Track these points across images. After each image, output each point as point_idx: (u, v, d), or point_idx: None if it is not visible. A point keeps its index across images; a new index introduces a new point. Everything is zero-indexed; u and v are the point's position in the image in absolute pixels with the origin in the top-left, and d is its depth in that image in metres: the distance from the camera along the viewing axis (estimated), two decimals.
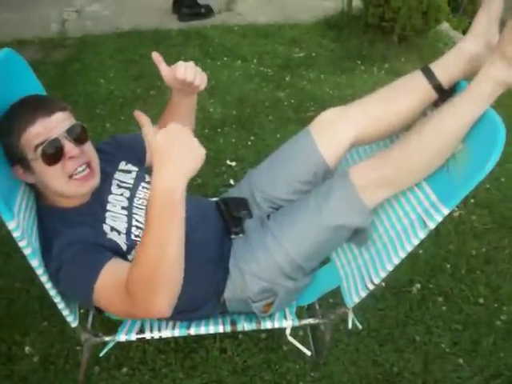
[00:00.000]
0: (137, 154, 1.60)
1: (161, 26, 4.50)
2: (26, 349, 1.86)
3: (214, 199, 1.71)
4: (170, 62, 1.30)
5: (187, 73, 1.27)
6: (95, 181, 1.32)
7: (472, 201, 2.57)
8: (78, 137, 1.26)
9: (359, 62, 3.95)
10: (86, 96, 3.45)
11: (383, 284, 2.06)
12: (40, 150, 1.20)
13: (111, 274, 1.17)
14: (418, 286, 2.11)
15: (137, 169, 1.54)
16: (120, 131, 3.03)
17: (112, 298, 1.16)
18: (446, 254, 2.27)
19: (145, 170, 1.58)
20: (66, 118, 1.26)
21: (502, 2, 1.39)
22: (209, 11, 4.79)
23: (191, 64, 1.29)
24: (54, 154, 1.21)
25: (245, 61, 3.97)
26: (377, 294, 2.03)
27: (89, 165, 1.29)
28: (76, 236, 1.25)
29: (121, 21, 4.65)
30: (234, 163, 2.81)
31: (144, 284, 1.05)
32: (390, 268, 1.38)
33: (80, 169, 1.27)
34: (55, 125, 1.22)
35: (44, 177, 1.25)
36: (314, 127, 1.55)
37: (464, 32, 5.01)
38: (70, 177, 1.26)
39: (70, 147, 1.23)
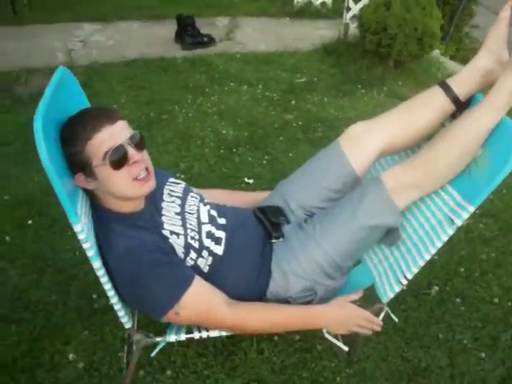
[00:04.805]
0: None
1: (166, 54, 4.66)
2: (70, 356, 1.91)
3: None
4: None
5: None
6: (153, 183, 1.41)
7: (478, 211, 2.71)
8: (139, 144, 1.37)
9: (359, 86, 4.12)
10: None
11: (404, 287, 2.18)
12: (108, 155, 1.30)
13: (202, 289, 1.41)
14: (436, 288, 2.25)
15: (184, 183, 1.67)
16: None
17: (202, 308, 1.41)
18: (459, 260, 2.42)
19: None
20: (126, 127, 1.37)
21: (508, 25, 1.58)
22: (210, 40, 4.99)
23: None
24: (120, 158, 1.32)
25: (251, 86, 4.13)
26: (399, 297, 2.12)
27: (147, 169, 1.40)
28: (142, 239, 1.36)
29: (126, 50, 4.82)
30: (251, 181, 2.92)
31: (257, 328, 1.50)
32: (421, 263, 1.52)
33: (142, 172, 1.38)
34: (119, 132, 1.33)
35: (108, 181, 1.34)
36: (343, 140, 1.70)
37: (451, 58, 5.29)
38: (134, 179, 1.36)
39: (133, 153, 1.34)
